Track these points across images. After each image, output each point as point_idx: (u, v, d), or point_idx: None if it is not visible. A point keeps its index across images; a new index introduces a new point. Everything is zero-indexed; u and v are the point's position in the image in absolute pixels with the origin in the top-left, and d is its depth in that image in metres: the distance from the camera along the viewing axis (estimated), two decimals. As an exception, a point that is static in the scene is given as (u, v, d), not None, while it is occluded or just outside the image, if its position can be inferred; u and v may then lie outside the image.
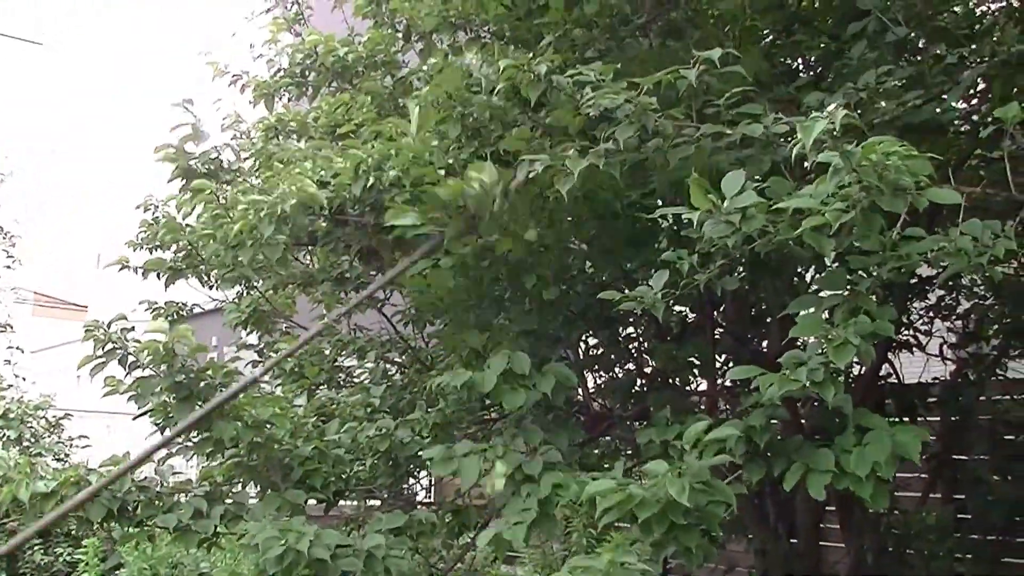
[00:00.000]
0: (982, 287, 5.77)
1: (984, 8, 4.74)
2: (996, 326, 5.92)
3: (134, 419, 4.80)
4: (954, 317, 6.03)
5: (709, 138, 3.54)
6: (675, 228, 3.95)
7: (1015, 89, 3.89)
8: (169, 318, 7.48)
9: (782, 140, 3.45)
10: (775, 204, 3.16)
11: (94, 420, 15.58)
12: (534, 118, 4.09)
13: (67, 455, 13.31)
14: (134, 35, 28.83)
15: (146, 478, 4.78)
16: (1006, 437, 6.03)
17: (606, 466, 6.25)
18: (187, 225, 5.61)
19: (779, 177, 3.30)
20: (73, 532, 10.97)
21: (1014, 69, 3.79)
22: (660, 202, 4.25)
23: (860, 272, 3.37)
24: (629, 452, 5.86)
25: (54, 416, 13.53)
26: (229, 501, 4.72)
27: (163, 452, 4.78)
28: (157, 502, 4.66)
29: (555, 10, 4.51)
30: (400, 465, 4.91)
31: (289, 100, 6.52)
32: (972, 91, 4.32)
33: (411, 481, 5.92)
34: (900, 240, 3.21)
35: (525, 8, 4.66)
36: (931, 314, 5.99)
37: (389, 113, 5.61)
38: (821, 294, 3.53)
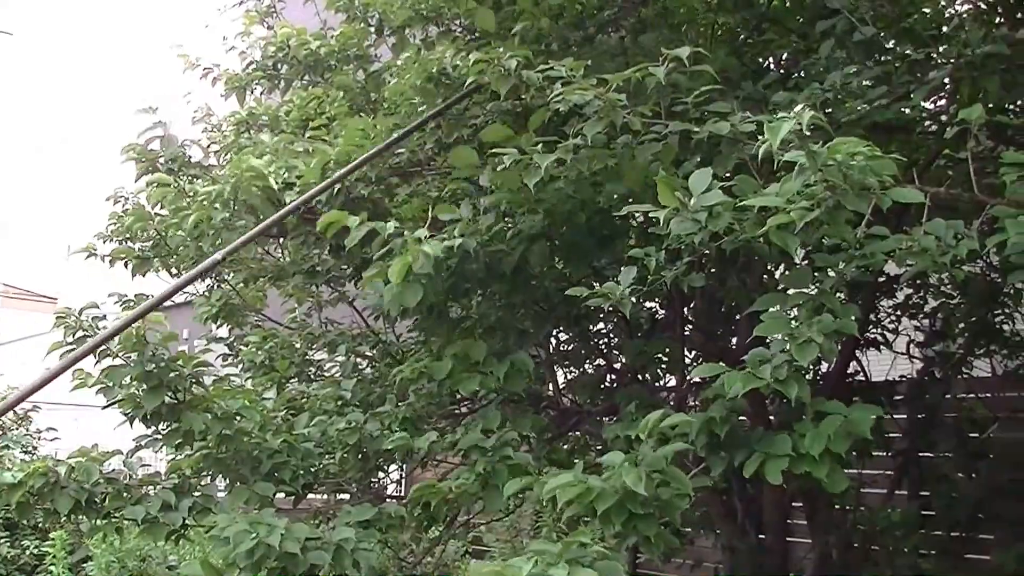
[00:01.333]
0: (949, 286, 5.84)
1: (952, 10, 4.79)
2: (962, 325, 5.99)
3: (103, 408, 4.78)
4: (921, 316, 6.10)
5: (677, 135, 3.57)
6: (644, 226, 3.98)
7: (981, 91, 3.93)
8: (139, 310, 7.45)
9: (749, 139, 3.48)
10: (741, 202, 3.19)
11: (63, 412, 15.47)
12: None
13: (35, 447, 13.23)
14: (117, 28, 28.65)
15: (114, 470, 4.77)
16: (971, 435, 6.10)
17: (576, 461, 6.29)
18: (156, 214, 5.60)
19: (746, 175, 3.33)
20: (40, 525, 10.91)
21: (979, 71, 3.84)
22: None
23: (826, 270, 3.41)
24: (599, 448, 5.89)
25: (22, 409, 13.43)
26: (197, 494, 4.70)
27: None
28: (125, 494, 4.63)
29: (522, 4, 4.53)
30: (369, 459, 4.90)
31: (261, 93, 6.51)
32: (939, 92, 4.37)
33: (381, 475, 5.93)
34: (865, 239, 3.25)
35: (494, 2, 4.67)
36: (898, 312, 6.05)
37: (361, 108, 5.62)
38: (788, 291, 3.55)
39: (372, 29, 5.86)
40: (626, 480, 3.13)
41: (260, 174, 4.27)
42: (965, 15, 4.56)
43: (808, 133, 3.04)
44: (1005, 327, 5.94)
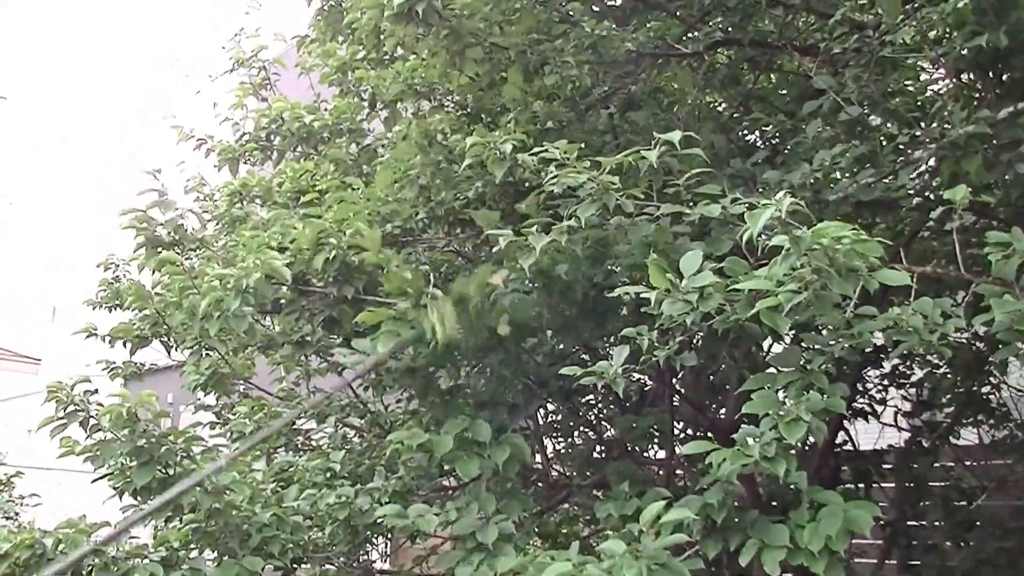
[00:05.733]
0: (935, 356, 5.88)
1: (933, 88, 4.89)
2: (949, 395, 6.02)
3: (92, 482, 4.76)
4: (908, 385, 6.13)
5: (669, 217, 3.63)
6: (636, 303, 4.03)
7: (963, 170, 4.00)
8: (126, 377, 7.45)
9: (740, 220, 3.53)
10: (732, 283, 3.24)
11: (46, 476, 15.32)
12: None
13: (16, 513, 13.06)
14: (101, 89, 28.72)
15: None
16: (959, 504, 6.11)
17: (564, 532, 6.28)
18: (156, 293, 5.61)
19: (735, 257, 3.38)
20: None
21: (962, 150, 3.91)
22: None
23: (814, 347, 3.46)
24: (587, 518, 5.88)
25: (5, 474, 13.30)
26: (186, 567, 4.67)
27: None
28: (112, 567, 4.60)
29: (513, 84, 4.61)
30: (359, 532, 4.89)
31: (253, 164, 6.56)
32: (924, 167, 4.45)
33: (368, 548, 5.90)
34: (854, 318, 3.29)
35: (488, 79, 4.76)
36: (885, 382, 6.08)
37: (353, 180, 5.68)
38: (777, 370, 3.59)
39: (365, 103, 5.94)
40: (628, 575, 3.14)
41: (278, 270, 4.33)
42: (945, 92, 4.66)
43: (790, 216, 3.10)
44: (991, 397, 5.99)
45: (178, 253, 5.28)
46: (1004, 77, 4.47)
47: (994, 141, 3.97)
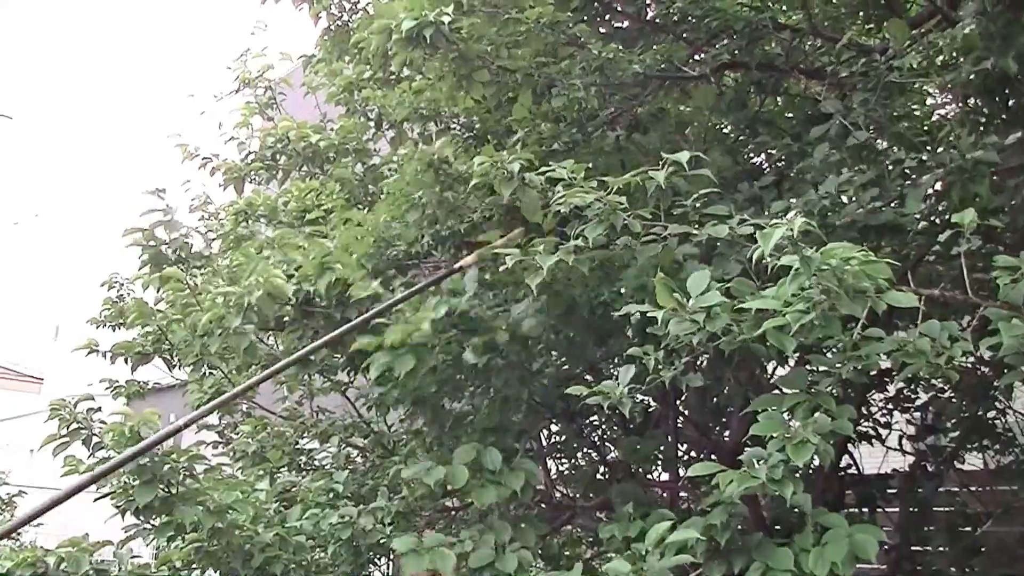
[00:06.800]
0: (940, 379, 5.86)
1: (940, 112, 4.90)
2: (954, 419, 6.00)
3: (95, 501, 4.75)
4: (913, 409, 6.11)
5: (676, 237, 3.63)
6: (642, 323, 4.02)
7: (971, 194, 4.00)
8: (129, 396, 7.44)
9: (747, 241, 3.53)
10: (739, 304, 3.23)
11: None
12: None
13: (18, 533, 13.01)
14: (105, 109, 28.84)
15: (104, 561, 4.73)
16: (964, 529, 6.07)
17: (567, 554, 6.24)
18: (157, 310, 5.62)
19: (743, 277, 3.38)
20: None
21: (970, 174, 3.91)
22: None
23: (821, 368, 3.45)
24: (590, 539, 5.85)
25: (7, 494, 13.28)
26: (187, 587, 4.67)
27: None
28: (115, 586, 4.60)
29: (522, 106, 4.62)
30: (361, 553, 4.88)
31: (259, 184, 6.57)
32: (931, 192, 4.46)
33: (371, 568, 5.87)
34: (860, 340, 3.29)
35: (495, 102, 4.77)
36: (890, 406, 6.06)
37: (359, 200, 5.68)
38: (783, 391, 3.58)
39: (371, 123, 5.95)
40: (633, 596, 3.14)
41: (280, 288, 4.34)
42: (952, 117, 4.66)
43: (801, 238, 3.10)
44: (997, 422, 5.96)
45: (182, 271, 5.28)
46: (1011, 102, 4.48)
47: (1001, 166, 3.98)
